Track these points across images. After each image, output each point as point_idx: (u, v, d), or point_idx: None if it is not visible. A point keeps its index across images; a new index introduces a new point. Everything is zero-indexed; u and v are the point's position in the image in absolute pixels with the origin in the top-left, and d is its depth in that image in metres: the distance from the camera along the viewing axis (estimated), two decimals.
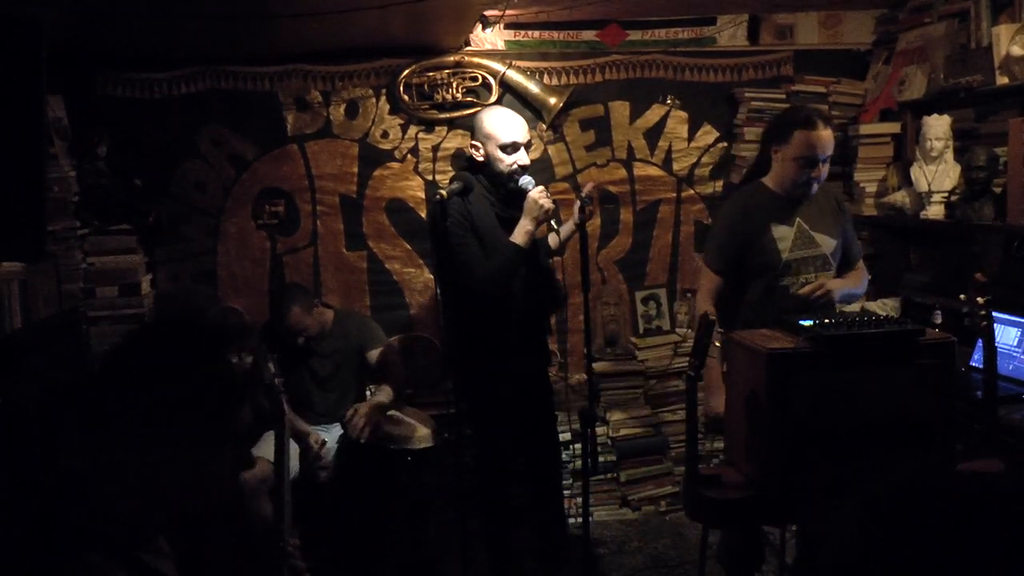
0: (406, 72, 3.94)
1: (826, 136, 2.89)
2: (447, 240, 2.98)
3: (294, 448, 3.49)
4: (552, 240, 3.34)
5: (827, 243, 2.99)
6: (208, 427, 1.26)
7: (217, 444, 1.28)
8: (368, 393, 3.75)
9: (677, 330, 4.26)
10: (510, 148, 3.01)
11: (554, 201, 3.02)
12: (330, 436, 3.59)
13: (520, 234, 2.97)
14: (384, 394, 3.55)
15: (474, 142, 3.08)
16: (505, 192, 3.06)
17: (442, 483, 3.67)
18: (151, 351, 1.28)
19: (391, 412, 3.57)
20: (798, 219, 2.97)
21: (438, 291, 3.11)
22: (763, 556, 2.90)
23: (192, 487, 1.27)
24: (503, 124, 3.03)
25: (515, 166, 3.02)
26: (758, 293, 3.00)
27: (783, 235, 2.96)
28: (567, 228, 3.24)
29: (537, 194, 2.95)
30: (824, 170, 2.93)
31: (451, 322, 3.12)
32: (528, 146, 3.12)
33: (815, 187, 2.96)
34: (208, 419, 1.26)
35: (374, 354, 3.69)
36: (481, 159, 3.06)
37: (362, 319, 3.86)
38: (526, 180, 3.00)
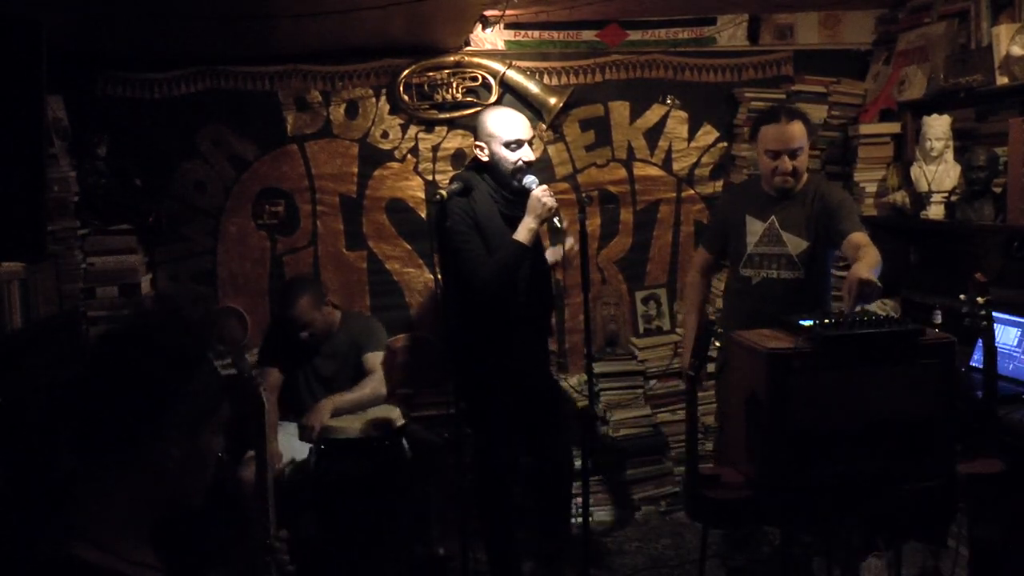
0: (406, 72, 3.94)
1: (789, 129, 3.03)
2: (449, 240, 3.00)
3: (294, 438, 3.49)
4: (552, 255, 3.35)
5: (796, 244, 3.10)
6: (197, 414, 1.32)
7: (207, 431, 1.35)
8: None
9: (677, 330, 4.26)
10: (514, 145, 3.05)
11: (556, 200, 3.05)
12: None
13: (523, 232, 2.99)
14: (348, 394, 3.51)
15: (478, 142, 3.11)
16: (511, 191, 3.08)
17: (441, 482, 3.66)
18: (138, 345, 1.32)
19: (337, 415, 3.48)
20: (773, 216, 3.14)
21: (439, 291, 3.12)
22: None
23: (184, 470, 1.31)
24: (506, 122, 3.07)
25: (520, 163, 3.06)
26: (732, 279, 3.30)
27: (755, 229, 3.17)
28: (567, 243, 3.27)
29: (541, 193, 2.99)
30: (794, 163, 3.05)
31: (454, 321, 3.13)
32: (532, 143, 3.15)
33: (789, 180, 3.09)
34: (198, 408, 1.32)
35: (369, 357, 3.64)
36: (486, 159, 3.09)
37: (367, 320, 3.84)
38: (530, 179, 3.04)
